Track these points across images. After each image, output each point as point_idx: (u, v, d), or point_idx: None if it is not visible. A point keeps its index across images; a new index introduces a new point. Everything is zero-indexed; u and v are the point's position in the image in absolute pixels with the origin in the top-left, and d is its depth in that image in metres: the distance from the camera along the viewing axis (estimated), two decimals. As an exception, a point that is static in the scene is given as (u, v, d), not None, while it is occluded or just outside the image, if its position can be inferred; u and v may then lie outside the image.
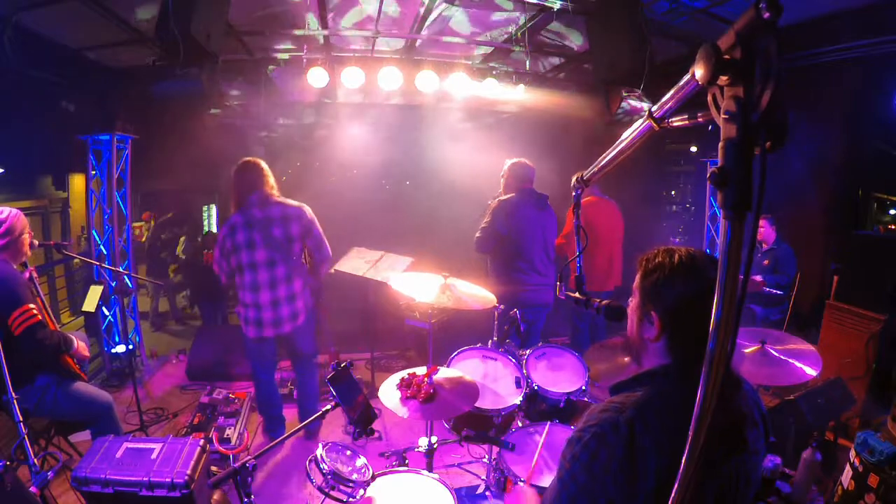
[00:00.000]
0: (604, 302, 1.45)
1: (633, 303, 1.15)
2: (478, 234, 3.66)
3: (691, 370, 0.99)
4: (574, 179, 1.60)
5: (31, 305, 2.39)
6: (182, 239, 8.51)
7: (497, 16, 4.14)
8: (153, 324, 7.45)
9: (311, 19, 4.02)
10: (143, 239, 7.87)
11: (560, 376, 2.64)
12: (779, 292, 4.29)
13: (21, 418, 2.08)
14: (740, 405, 1.06)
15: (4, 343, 2.17)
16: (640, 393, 1.02)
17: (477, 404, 2.19)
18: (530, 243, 3.64)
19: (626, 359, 2.34)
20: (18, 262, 2.54)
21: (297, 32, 4.11)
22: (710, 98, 0.69)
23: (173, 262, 7.79)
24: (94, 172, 4.63)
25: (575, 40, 4.54)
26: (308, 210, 3.28)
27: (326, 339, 4.83)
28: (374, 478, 1.86)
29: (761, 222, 4.40)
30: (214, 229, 10.99)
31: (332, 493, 1.73)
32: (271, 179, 3.29)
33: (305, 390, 3.58)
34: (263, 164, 3.29)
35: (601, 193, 4.42)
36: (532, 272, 3.66)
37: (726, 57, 0.62)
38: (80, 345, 2.61)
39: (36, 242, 2.68)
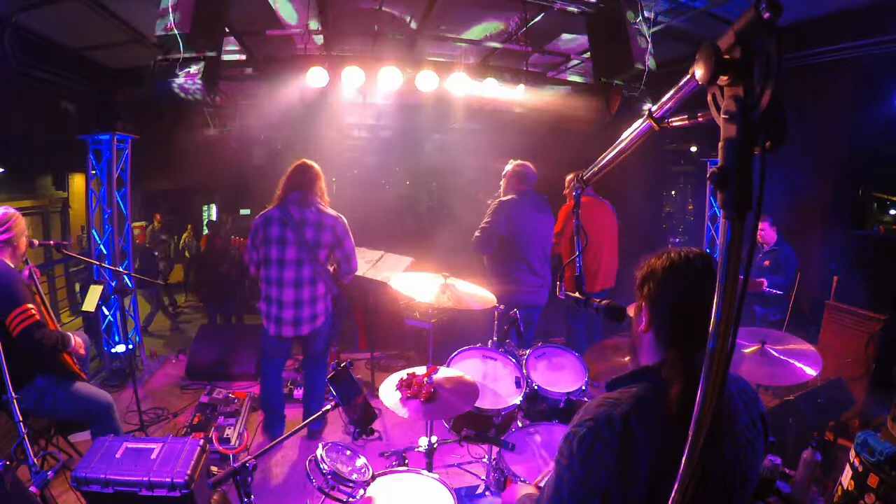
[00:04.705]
0: (603, 302, 1.45)
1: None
2: (477, 234, 3.65)
3: (681, 366, 1.00)
4: (571, 179, 1.60)
5: (30, 305, 2.38)
6: (185, 236, 8.42)
7: (497, 15, 4.13)
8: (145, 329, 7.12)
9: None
10: (139, 240, 7.76)
11: (560, 376, 2.64)
12: (778, 292, 4.29)
13: (21, 418, 2.08)
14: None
15: (4, 344, 2.17)
16: (635, 388, 1.03)
17: (477, 404, 2.19)
18: (529, 244, 3.64)
19: (626, 358, 2.34)
20: (18, 262, 2.55)
21: (297, 31, 4.11)
22: (710, 98, 0.69)
23: (164, 262, 7.69)
24: (94, 172, 4.62)
25: (575, 40, 4.53)
26: (343, 222, 3.31)
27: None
28: (374, 478, 1.86)
29: (761, 224, 4.37)
30: (214, 218, 10.99)
31: (332, 493, 1.73)
32: (322, 186, 3.35)
33: (312, 390, 3.59)
34: (318, 171, 3.35)
35: (594, 193, 4.32)
36: (529, 273, 3.66)
37: (726, 57, 0.62)
38: (77, 341, 2.59)
39: (36, 242, 2.68)
